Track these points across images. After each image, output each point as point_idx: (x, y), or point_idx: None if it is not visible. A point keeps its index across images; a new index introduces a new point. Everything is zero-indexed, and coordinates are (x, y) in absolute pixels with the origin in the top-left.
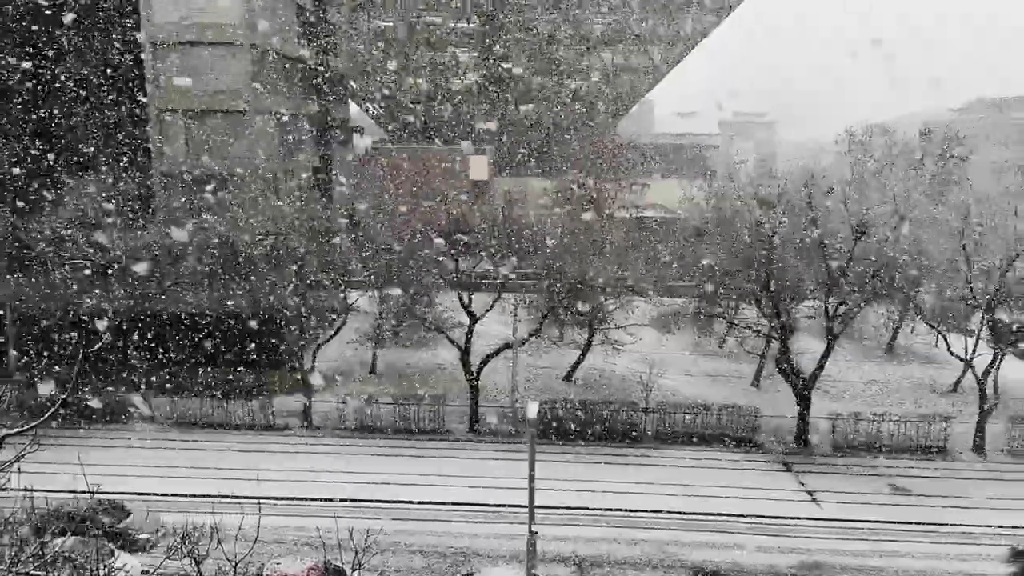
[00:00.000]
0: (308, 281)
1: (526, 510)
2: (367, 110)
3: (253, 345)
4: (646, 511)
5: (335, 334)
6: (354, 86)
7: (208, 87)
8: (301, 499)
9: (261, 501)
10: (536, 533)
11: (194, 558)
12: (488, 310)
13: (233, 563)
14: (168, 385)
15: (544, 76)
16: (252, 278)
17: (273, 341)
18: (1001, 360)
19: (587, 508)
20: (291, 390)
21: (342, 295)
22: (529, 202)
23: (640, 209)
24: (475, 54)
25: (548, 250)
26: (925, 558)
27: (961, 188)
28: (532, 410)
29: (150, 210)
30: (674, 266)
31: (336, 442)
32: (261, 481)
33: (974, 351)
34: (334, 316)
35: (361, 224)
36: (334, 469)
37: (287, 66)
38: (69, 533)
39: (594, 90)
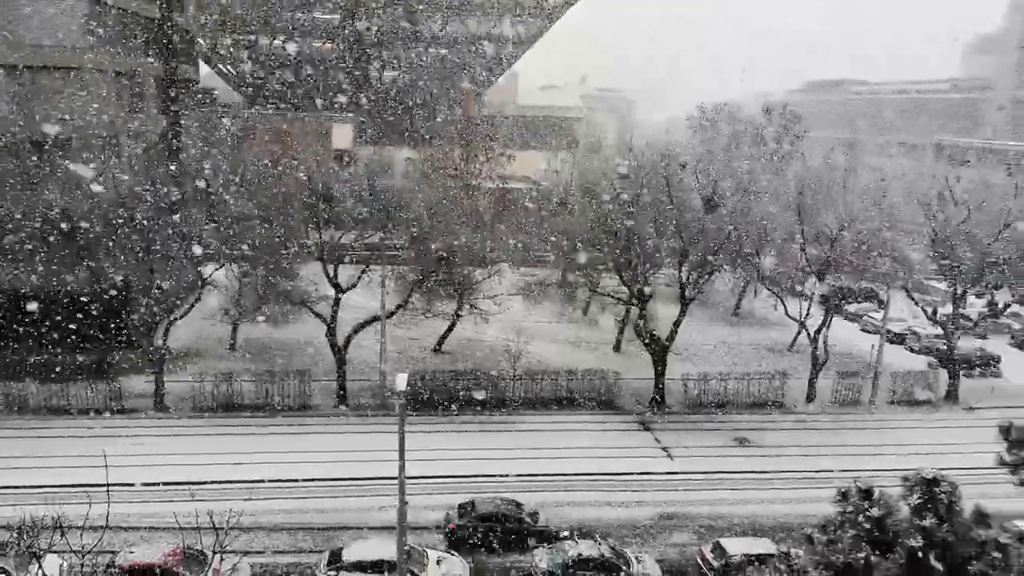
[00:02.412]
0: (157, 254)
1: (396, 482)
2: (219, 72)
3: (96, 323)
4: (514, 475)
5: (189, 310)
6: (204, 45)
7: (36, 40)
8: (155, 484)
9: (111, 488)
10: (407, 503)
11: (34, 553)
12: (355, 283)
13: (81, 555)
14: None
15: (408, 43)
16: (93, 251)
17: (119, 319)
18: (830, 321)
19: (458, 476)
20: (140, 370)
21: (196, 268)
22: (395, 171)
23: (505, 180)
24: (336, 17)
25: (415, 221)
26: (768, 503)
27: (797, 162)
28: (401, 382)
29: None
30: (538, 237)
31: (193, 423)
32: (109, 468)
33: (807, 313)
34: (188, 291)
35: (216, 193)
36: (191, 451)
37: (128, 20)
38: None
39: (460, 59)
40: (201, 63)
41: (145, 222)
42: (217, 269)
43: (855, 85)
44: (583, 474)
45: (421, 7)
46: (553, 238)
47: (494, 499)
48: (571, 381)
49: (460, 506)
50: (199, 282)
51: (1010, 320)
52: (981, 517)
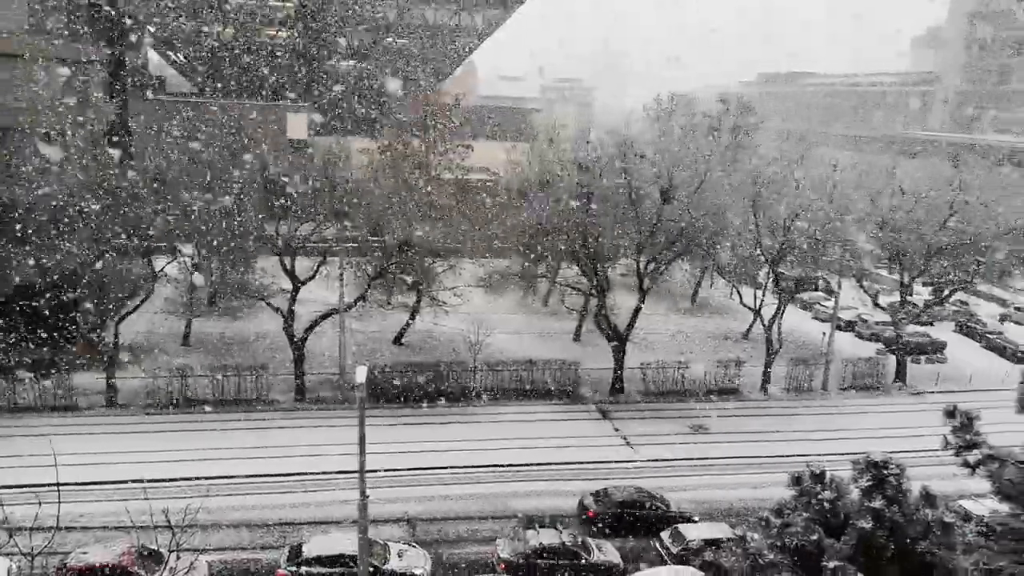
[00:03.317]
0: (106, 247)
1: (357, 476)
2: (169, 59)
3: (44, 319)
4: (476, 466)
5: (140, 304)
6: (152, 31)
7: None
8: (109, 483)
9: (61, 487)
10: (368, 497)
11: None
12: (312, 275)
13: (30, 556)
14: None
15: (364, 32)
16: (40, 244)
17: (69, 313)
18: (784, 309)
19: (419, 468)
20: (92, 366)
21: (147, 261)
22: (352, 162)
23: (465, 171)
24: (290, 4)
25: (374, 212)
26: (725, 488)
27: (751, 153)
28: (361, 375)
29: None
30: (499, 228)
31: (147, 420)
32: (60, 467)
33: (762, 302)
34: (139, 284)
35: (168, 183)
36: (146, 448)
37: (73, 6)
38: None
39: (417, 49)
40: (150, 50)
41: (94, 214)
42: (169, 262)
43: (806, 77)
44: (543, 464)
45: None
46: (513, 229)
47: (626, 487)
48: (531, 371)
49: (593, 494)
50: (151, 275)
51: (955, 307)
52: (928, 498)
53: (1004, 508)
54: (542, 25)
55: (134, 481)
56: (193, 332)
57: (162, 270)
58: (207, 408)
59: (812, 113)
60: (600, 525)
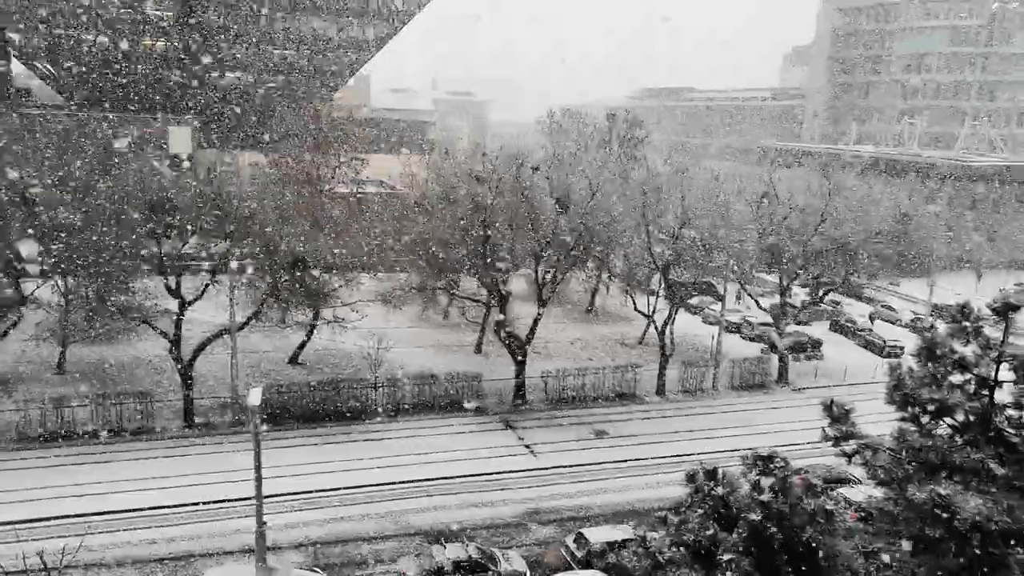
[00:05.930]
0: None
1: (253, 503)
2: (35, 70)
3: None
4: (378, 484)
5: (8, 331)
6: (15, 39)
7: None
8: None
9: None
10: (266, 524)
11: None
12: (200, 295)
13: None
14: None
15: (251, 43)
16: None
17: None
18: (675, 314)
19: (320, 490)
20: None
21: (14, 284)
22: (241, 177)
23: (360, 184)
24: (170, 13)
25: (265, 228)
26: (625, 491)
27: (640, 165)
28: (255, 397)
29: None
30: (395, 241)
31: (17, 456)
32: None
33: (655, 308)
34: (4, 310)
35: (36, 202)
36: (15, 487)
37: None
38: None
39: (307, 60)
40: (15, 60)
41: None
42: (40, 286)
43: (688, 92)
44: (448, 477)
45: (264, 7)
46: (410, 242)
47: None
48: (433, 385)
49: None
50: (19, 299)
51: (828, 307)
52: (810, 487)
53: (878, 493)
54: (434, 39)
55: (3, 523)
56: (69, 359)
57: (31, 294)
58: (86, 440)
59: (694, 126)
60: None
